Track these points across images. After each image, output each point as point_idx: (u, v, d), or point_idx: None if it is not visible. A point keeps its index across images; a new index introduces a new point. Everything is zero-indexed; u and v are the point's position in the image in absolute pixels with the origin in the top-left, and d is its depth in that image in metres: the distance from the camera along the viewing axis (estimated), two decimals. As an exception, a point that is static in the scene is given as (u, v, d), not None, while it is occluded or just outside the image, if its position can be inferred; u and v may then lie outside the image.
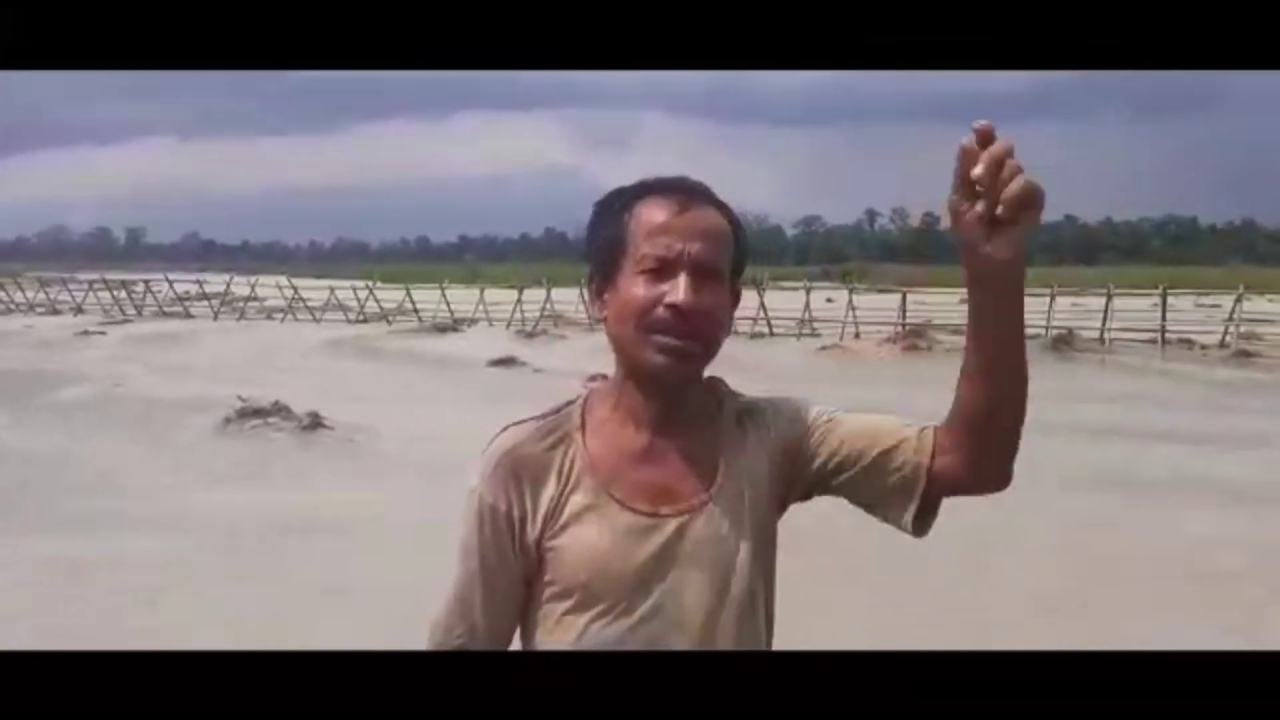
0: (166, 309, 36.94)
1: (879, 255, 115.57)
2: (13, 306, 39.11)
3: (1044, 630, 5.47)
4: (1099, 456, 10.60)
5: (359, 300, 34.31)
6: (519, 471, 1.45)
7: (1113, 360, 21.03)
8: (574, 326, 28.40)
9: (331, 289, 35.21)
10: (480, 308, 30.75)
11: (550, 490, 1.45)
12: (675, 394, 1.46)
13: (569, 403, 1.52)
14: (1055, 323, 23.83)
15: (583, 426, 1.48)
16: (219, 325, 31.51)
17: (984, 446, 1.41)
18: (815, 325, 26.21)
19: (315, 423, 11.29)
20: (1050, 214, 1.35)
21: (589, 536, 1.43)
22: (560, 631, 1.45)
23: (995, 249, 1.25)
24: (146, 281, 41.07)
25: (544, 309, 29.48)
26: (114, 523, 7.79)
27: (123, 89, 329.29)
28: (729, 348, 1.52)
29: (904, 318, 25.69)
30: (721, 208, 1.48)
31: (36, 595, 6.15)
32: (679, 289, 1.40)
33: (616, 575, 1.42)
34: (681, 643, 1.43)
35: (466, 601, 1.48)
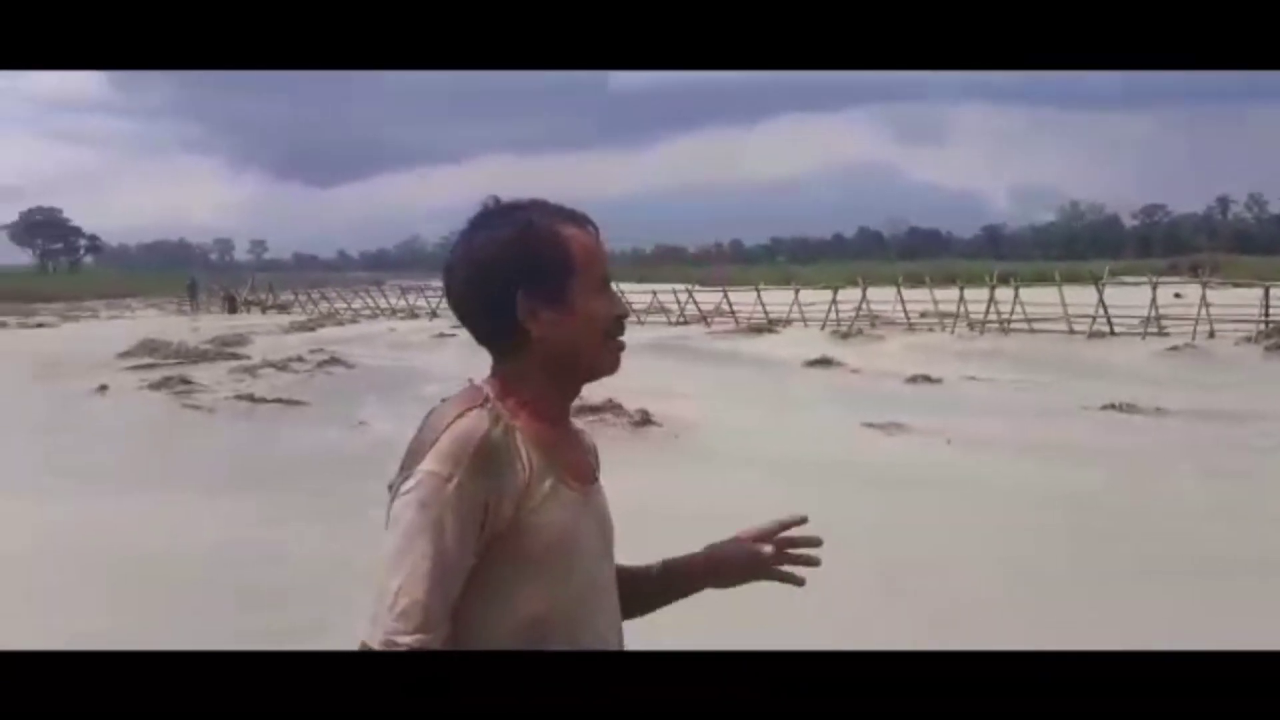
0: (507, 313, 39.82)
1: (1233, 246, 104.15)
2: (378, 311, 43.80)
3: None
4: None
5: (679, 303, 35.54)
6: (494, 456, 1.52)
7: None
8: (891, 326, 27.92)
9: (654, 292, 36.60)
10: (795, 308, 30.96)
11: (519, 472, 1.54)
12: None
13: (478, 391, 1.59)
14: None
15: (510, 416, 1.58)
16: (553, 327, 33.56)
17: None
18: (1163, 323, 24.13)
19: (645, 419, 11.92)
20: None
21: (554, 513, 1.56)
22: (499, 601, 1.53)
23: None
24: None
25: (859, 309, 29.19)
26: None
27: (454, 111, 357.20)
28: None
29: (1266, 314, 23.18)
30: None
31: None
32: (619, 302, 1.68)
33: (566, 547, 1.57)
34: (606, 605, 1.64)
35: (437, 579, 1.48)
